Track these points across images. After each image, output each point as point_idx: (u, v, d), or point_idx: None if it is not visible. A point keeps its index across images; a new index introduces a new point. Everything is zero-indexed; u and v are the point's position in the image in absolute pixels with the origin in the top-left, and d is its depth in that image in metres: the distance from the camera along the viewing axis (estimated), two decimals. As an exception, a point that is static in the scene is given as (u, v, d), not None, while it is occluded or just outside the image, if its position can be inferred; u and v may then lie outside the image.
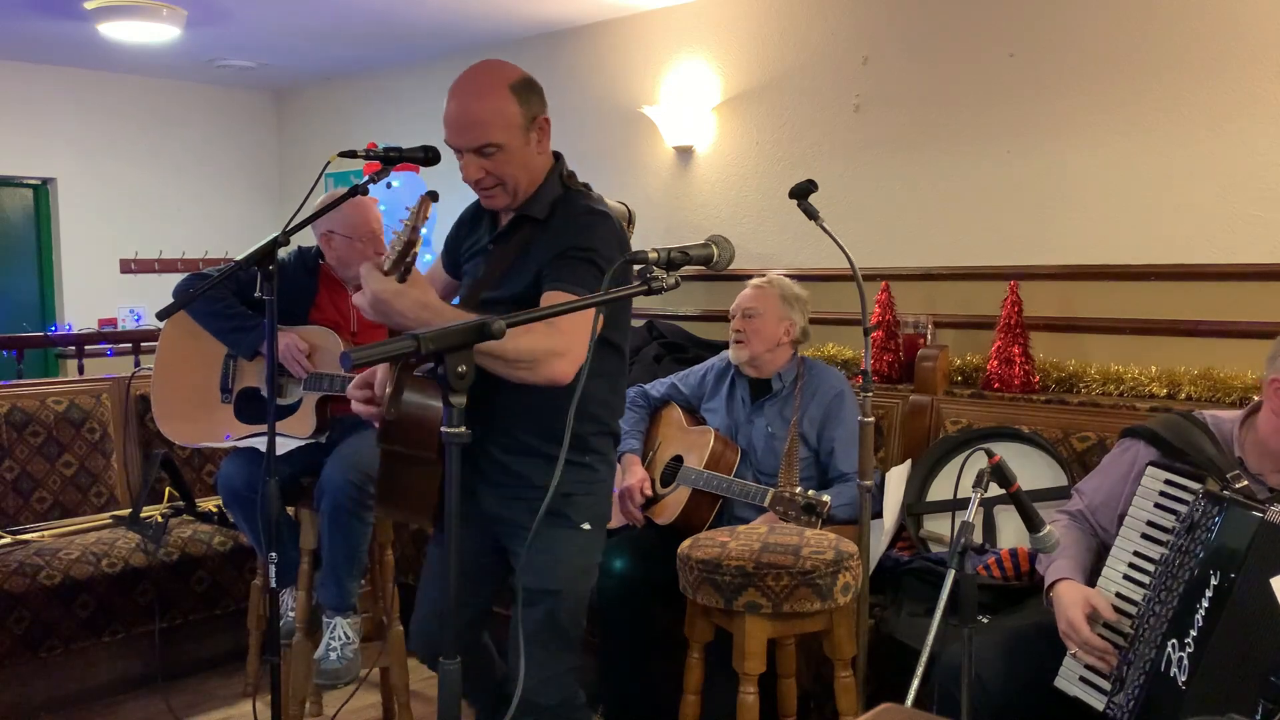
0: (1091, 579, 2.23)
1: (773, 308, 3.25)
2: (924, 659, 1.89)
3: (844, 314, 3.91)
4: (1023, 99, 3.66)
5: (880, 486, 3.29)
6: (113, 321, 6.34)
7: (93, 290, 6.38)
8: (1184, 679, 1.95)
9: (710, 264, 1.95)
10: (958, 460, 3.12)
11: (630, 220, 4.36)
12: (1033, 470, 3.04)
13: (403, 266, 2.03)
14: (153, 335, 4.74)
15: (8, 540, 3.63)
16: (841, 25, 4.15)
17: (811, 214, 2.76)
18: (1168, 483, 2.16)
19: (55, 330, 6.09)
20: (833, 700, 2.63)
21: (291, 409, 3.16)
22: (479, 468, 2.26)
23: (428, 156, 2.26)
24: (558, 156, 2.30)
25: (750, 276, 3.45)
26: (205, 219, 6.78)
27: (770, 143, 4.41)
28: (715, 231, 2.21)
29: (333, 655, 3.00)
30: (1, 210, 6.34)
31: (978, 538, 2.98)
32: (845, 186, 4.12)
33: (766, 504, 2.83)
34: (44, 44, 5.61)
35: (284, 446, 2.98)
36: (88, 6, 4.71)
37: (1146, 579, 2.12)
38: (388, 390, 2.18)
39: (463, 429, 1.54)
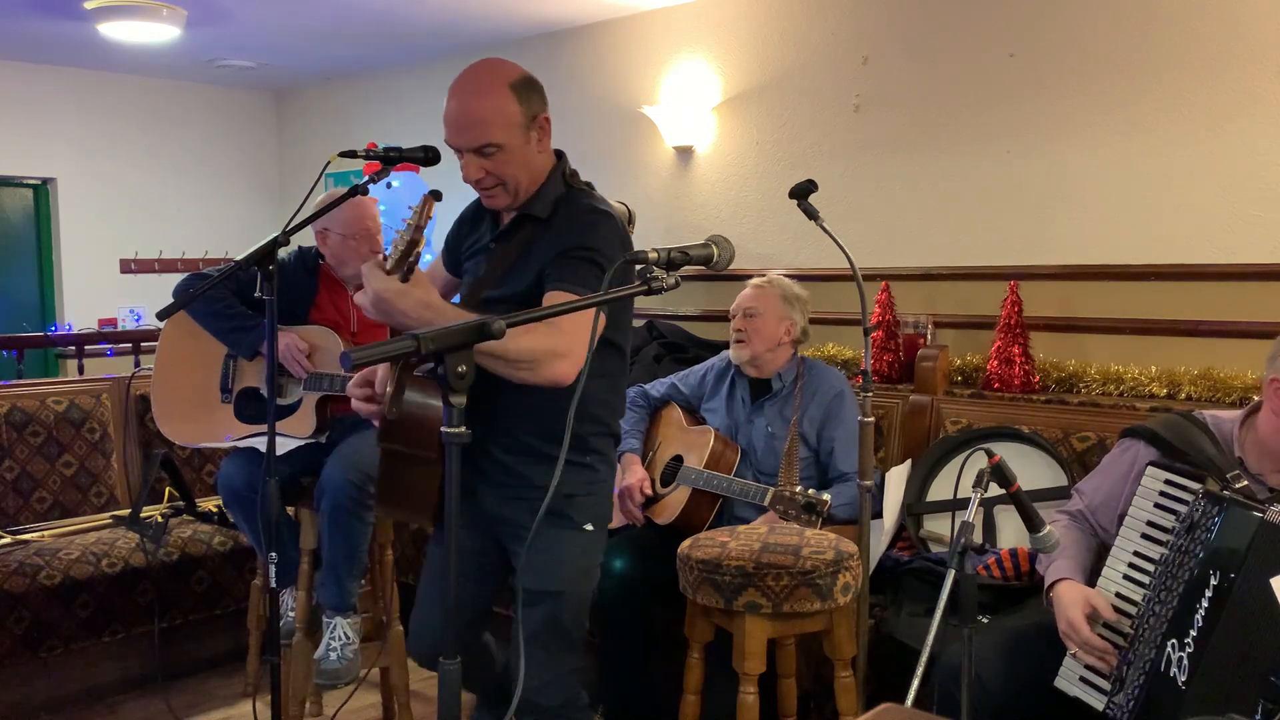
0: (1091, 579, 2.23)
1: (773, 307, 3.25)
2: (924, 659, 1.89)
3: (844, 314, 3.91)
4: (1023, 99, 3.66)
5: (880, 486, 3.29)
6: (113, 321, 6.35)
7: (93, 290, 6.38)
8: (1184, 679, 1.95)
9: (710, 264, 1.95)
10: (958, 460, 3.12)
11: (630, 220, 4.36)
12: (1033, 470, 3.04)
13: (405, 266, 2.02)
14: (153, 335, 4.74)
15: (8, 540, 3.63)
16: (841, 25, 4.15)
17: (811, 214, 2.76)
18: (1168, 483, 2.16)
19: (55, 330, 6.10)
20: (833, 700, 2.63)
21: (291, 409, 3.16)
22: (479, 468, 2.25)
23: (428, 157, 2.25)
24: (560, 155, 2.29)
25: (750, 276, 3.45)
26: (205, 219, 6.78)
27: (770, 143, 4.41)
28: (715, 231, 2.20)
29: (333, 655, 3.00)
30: (1, 210, 6.34)
31: (978, 538, 2.98)
32: (845, 186, 4.12)
33: (767, 503, 2.83)
34: (44, 44, 5.61)
35: (284, 446, 2.98)
36: (88, 6, 4.71)
37: (1146, 579, 2.12)
38: (388, 389, 2.18)
39: (463, 429, 1.53)
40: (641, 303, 2.62)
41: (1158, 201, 3.39)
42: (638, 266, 1.83)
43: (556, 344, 1.99)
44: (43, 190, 6.41)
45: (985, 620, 2.52)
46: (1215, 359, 3.24)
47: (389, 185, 5.19)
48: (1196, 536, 2.03)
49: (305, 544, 3.12)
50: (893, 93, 4.01)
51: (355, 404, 2.27)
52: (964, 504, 2.03)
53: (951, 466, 3.20)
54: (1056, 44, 3.57)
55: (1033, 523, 2.00)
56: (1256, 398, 2.39)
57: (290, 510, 3.19)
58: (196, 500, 4.03)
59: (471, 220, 2.41)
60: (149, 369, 3.64)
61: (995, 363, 3.53)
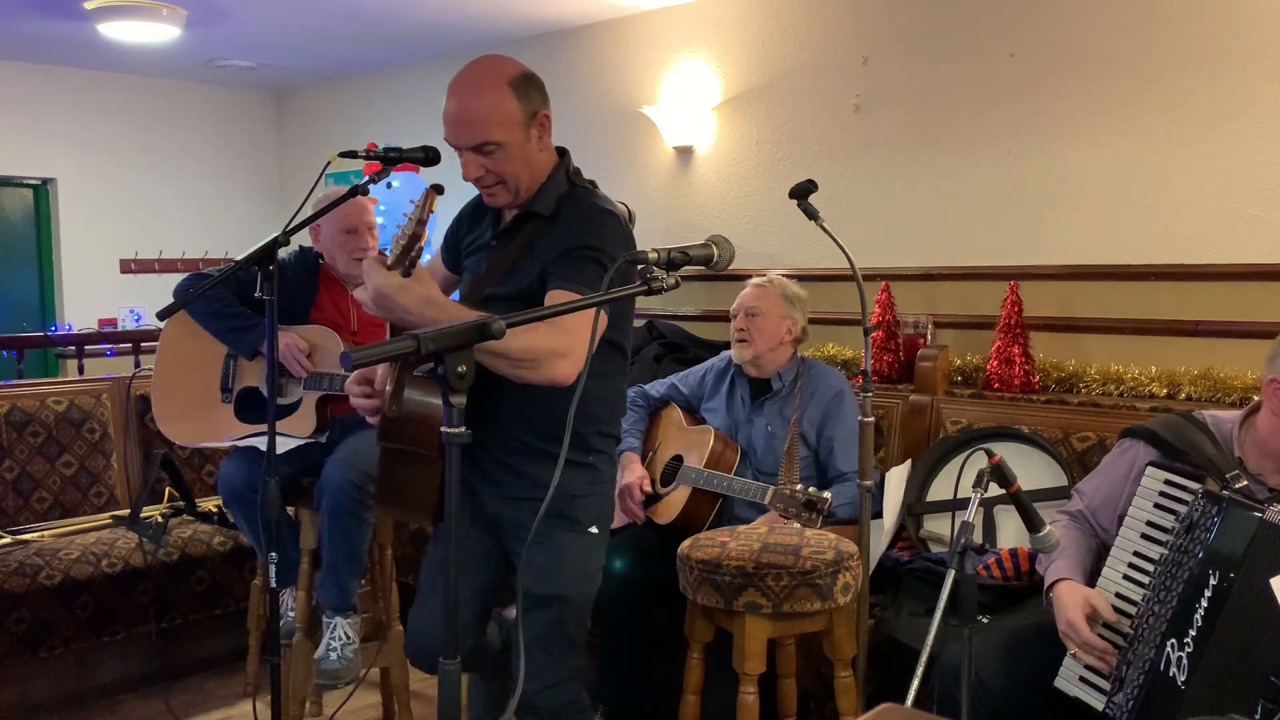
0: (1091, 579, 2.23)
1: (775, 306, 3.25)
2: (924, 659, 1.89)
3: (844, 314, 3.91)
4: (1023, 99, 3.66)
5: (880, 486, 3.29)
6: (113, 321, 6.34)
7: (93, 290, 6.38)
8: (1183, 679, 1.95)
9: (710, 264, 1.95)
10: (958, 460, 3.12)
11: (630, 220, 4.36)
12: (1033, 470, 3.04)
13: (407, 261, 1.99)
14: (153, 335, 4.74)
15: (8, 540, 3.63)
16: (841, 25, 4.15)
17: (811, 214, 2.76)
18: (1167, 483, 2.16)
19: (55, 330, 6.09)
20: (833, 700, 2.63)
21: (292, 408, 3.16)
22: (480, 467, 2.24)
23: (428, 157, 2.24)
24: (563, 152, 2.28)
25: (750, 276, 3.46)
26: (205, 219, 6.78)
27: (770, 143, 4.41)
28: (715, 231, 2.20)
29: (333, 655, 3.00)
30: (1, 210, 6.34)
31: (978, 538, 2.98)
32: (845, 186, 4.12)
33: (767, 501, 2.83)
34: (44, 44, 5.61)
35: (284, 445, 2.98)
36: (88, 6, 4.71)
37: (1146, 579, 2.12)
38: (388, 387, 2.17)
39: (463, 429, 1.53)
40: (641, 303, 2.62)
41: (1158, 201, 3.39)
42: (638, 266, 1.82)
43: (558, 343, 1.98)
44: (43, 190, 6.41)
45: (985, 620, 2.52)
46: (1215, 359, 3.24)
47: (389, 185, 5.19)
48: (1196, 536, 2.03)
49: (305, 544, 3.12)
50: (893, 93, 4.01)
51: (354, 401, 2.26)
52: (964, 504, 2.03)
53: (951, 466, 3.20)
54: (1056, 44, 3.57)
55: (1033, 523, 2.00)
56: (1256, 398, 2.39)
57: (290, 510, 3.18)
58: (196, 500, 4.03)
59: (471, 217, 2.39)
60: (149, 369, 3.64)
61: (995, 363, 3.53)
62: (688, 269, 1.86)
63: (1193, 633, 1.96)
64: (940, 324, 3.83)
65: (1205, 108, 3.28)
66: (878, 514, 3.21)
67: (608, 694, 3.07)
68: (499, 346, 1.86)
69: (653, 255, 1.80)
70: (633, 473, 3.22)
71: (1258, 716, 1.88)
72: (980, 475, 1.97)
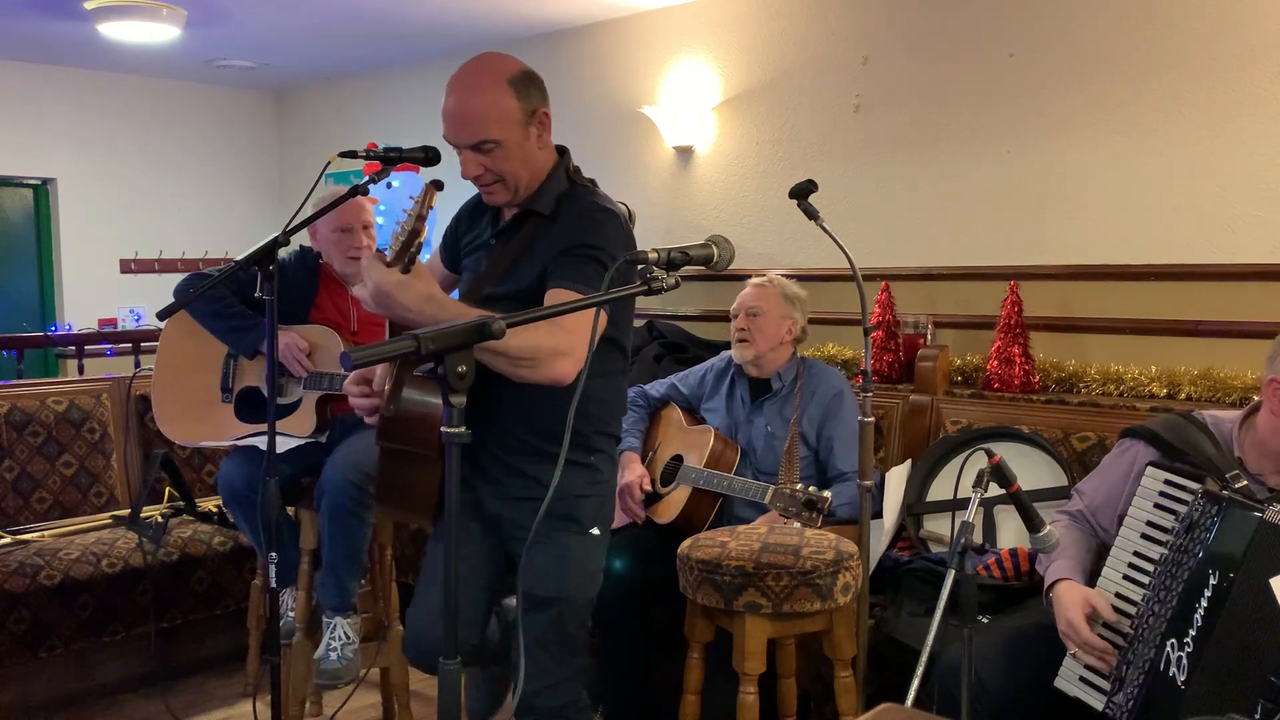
0: (1091, 579, 2.23)
1: (776, 306, 3.26)
2: (924, 659, 1.89)
3: (844, 314, 3.91)
4: (1023, 99, 3.66)
5: (880, 486, 3.29)
6: (113, 321, 6.34)
7: (93, 290, 6.38)
8: (1183, 679, 1.95)
9: (710, 264, 1.94)
10: (958, 460, 3.12)
11: (630, 220, 4.36)
12: (1033, 470, 3.04)
13: (406, 257, 1.98)
14: (153, 335, 4.74)
15: (8, 540, 3.63)
16: (841, 25, 4.15)
17: (811, 214, 2.76)
18: (1167, 483, 2.16)
19: (55, 330, 6.09)
20: (833, 700, 2.63)
21: (292, 408, 3.16)
22: (480, 466, 2.24)
23: (427, 157, 2.24)
24: (563, 151, 2.27)
25: (750, 276, 3.46)
26: (205, 219, 6.78)
27: (770, 143, 4.41)
28: (715, 231, 2.20)
29: (333, 655, 3.00)
30: (1, 210, 6.34)
31: (978, 538, 2.98)
32: (845, 186, 4.12)
33: (767, 501, 2.83)
34: (44, 44, 5.61)
35: (284, 445, 2.98)
36: (88, 6, 4.71)
37: (1146, 579, 2.12)
38: (387, 386, 2.17)
39: (463, 429, 1.53)
40: (641, 303, 2.62)
41: (1158, 201, 3.39)
42: (638, 266, 1.82)
43: (558, 342, 1.98)
44: (43, 190, 6.41)
45: (985, 620, 2.52)
46: (1215, 359, 3.24)
47: (389, 185, 5.19)
48: (1196, 536, 2.03)
49: (305, 544, 3.12)
50: (893, 93, 4.01)
51: (352, 401, 2.25)
52: (964, 504, 2.03)
53: (951, 466, 3.20)
54: (1056, 44, 3.57)
55: (1033, 523, 2.00)
56: (1256, 398, 2.39)
57: (290, 510, 3.19)
58: (196, 500, 4.03)
59: (470, 216, 2.39)
60: (149, 369, 3.64)
61: (995, 363, 3.53)
62: (688, 269, 1.86)
63: (1193, 633, 1.96)
64: (940, 324, 3.83)
65: (1205, 108, 3.28)
66: (878, 514, 3.21)
67: (608, 694, 3.07)
68: (499, 345, 1.86)
69: (653, 255, 1.79)
70: (633, 472, 3.22)
71: (1258, 716, 1.88)
72: (980, 475, 1.97)
